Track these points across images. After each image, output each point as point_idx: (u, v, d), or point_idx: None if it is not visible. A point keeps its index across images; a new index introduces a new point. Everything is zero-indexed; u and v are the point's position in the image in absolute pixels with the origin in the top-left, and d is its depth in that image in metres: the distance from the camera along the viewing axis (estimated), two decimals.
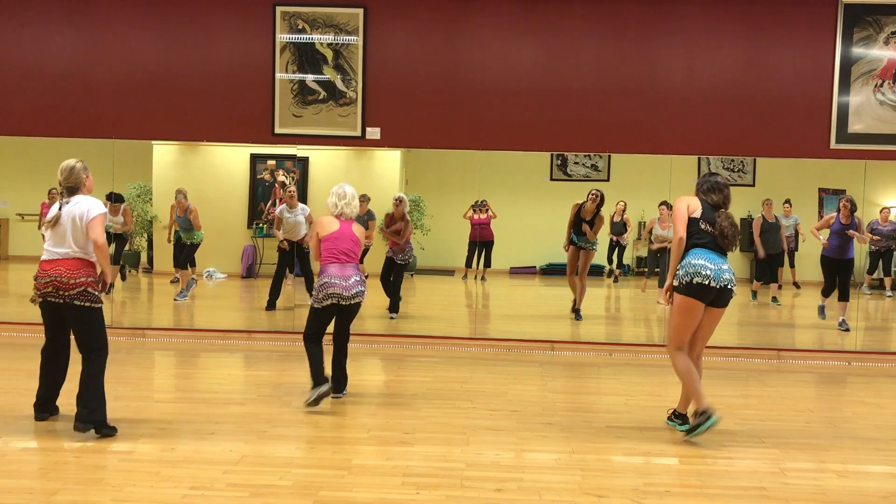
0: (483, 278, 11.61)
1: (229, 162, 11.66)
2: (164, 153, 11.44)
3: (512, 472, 4.55)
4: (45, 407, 5.27)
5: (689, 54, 8.27)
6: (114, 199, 10.09)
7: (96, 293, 4.98)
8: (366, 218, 9.80)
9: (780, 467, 4.76)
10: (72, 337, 5.19)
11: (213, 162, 11.57)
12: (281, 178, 11.75)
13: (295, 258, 9.81)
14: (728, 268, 5.13)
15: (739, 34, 8.23)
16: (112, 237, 9.94)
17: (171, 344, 8.12)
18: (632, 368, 7.56)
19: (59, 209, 4.98)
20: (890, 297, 11.38)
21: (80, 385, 4.99)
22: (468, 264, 11.51)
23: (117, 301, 10.25)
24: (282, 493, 4.17)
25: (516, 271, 12.48)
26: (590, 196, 9.45)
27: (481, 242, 11.44)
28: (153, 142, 10.80)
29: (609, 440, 5.19)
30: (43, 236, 5.13)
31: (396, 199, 9.50)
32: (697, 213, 5.20)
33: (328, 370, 5.91)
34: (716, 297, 5.10)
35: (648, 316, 10.81)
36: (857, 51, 8.15)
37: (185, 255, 10.27)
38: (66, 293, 4.90)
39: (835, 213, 9.35)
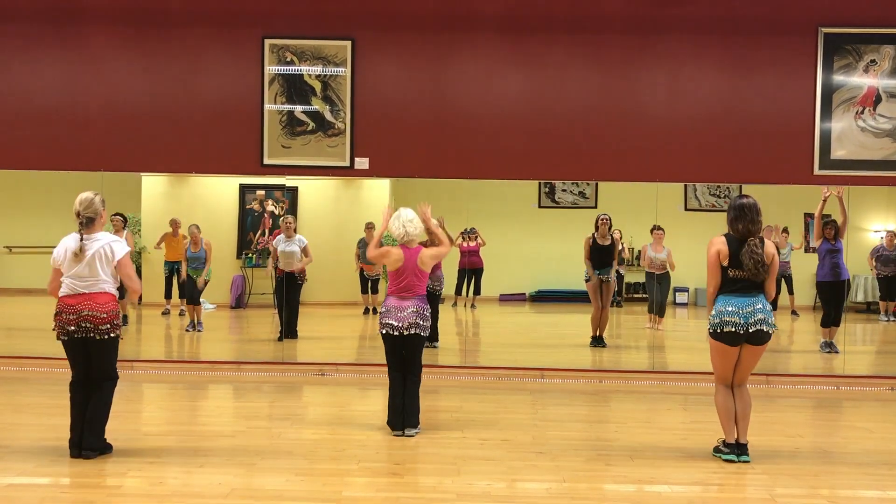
0: (473, 306, 11.62)
1: (218, 192, 11.66)
2: (152, 184, 11.44)
3: (503, 502, 4.53)
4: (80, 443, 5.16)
5: (673, 83, 8.38)
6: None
7: (118, 324, 5.16)
8: None
9: (771, 493, 4.76)
10: None
11: (202, 193, 11.56)
12: (270, 207, 11.76)
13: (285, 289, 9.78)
14: (762, 307, 5.16)
15: (722, 63, 8.36)
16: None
17: (160, 376, 8.07)
18: (622, 395, 7.56)
19: (81, 242, 5.05)
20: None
21: (92, 413, 5.12)
22: (458, 292, 11.51)
23: None
24: None
25: (506, 298, 12.48)
26: (600, 221, 9.57)
27: (471, 270, 11.45)
28: (142, 173, 10.80)
29: (600, 468, 5.19)
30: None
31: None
32: (726, 261, 5.23)
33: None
34: (748, 338, 5.20)
35: (638, 343, 10.83)
36: (838, 79, 8.28)
37: (199, 290, 10.35)
38: (99, 327, 5.04)
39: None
